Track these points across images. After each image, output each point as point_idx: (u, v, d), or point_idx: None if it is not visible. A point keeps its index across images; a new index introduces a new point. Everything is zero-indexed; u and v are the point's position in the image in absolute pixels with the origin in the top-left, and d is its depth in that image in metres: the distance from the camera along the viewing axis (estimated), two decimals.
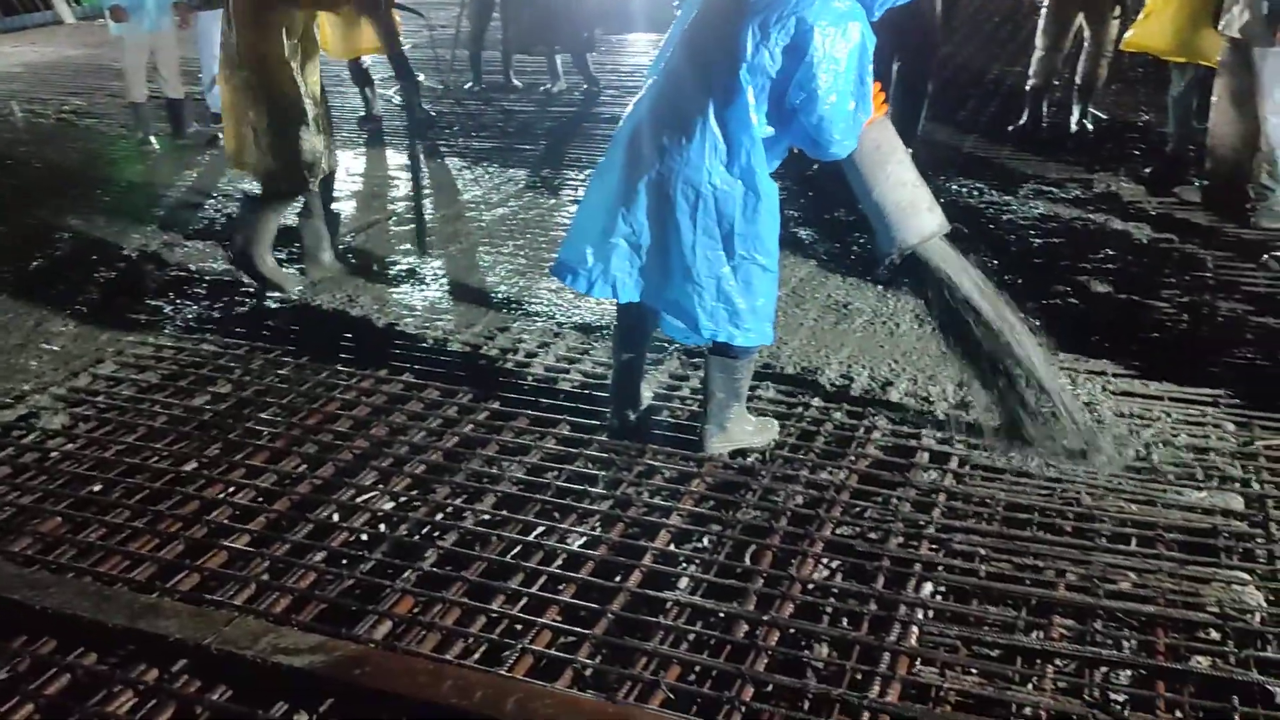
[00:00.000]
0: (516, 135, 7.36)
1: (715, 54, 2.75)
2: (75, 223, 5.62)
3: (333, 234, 4.81)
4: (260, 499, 3.12)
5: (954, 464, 3.15)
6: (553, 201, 5.91)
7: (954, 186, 5.84)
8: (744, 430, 3.22)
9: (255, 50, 4.16)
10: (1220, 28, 4.98)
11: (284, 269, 4.70)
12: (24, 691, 2.37)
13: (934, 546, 2.79)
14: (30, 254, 5.14)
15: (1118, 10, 6.35)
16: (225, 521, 3.00)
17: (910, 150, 6.08)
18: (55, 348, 4.13)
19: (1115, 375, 3.66)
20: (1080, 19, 6.39)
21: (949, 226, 2.95)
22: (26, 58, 10.86)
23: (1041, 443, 3.05)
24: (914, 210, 2.86)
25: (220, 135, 5.72)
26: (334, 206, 4.98)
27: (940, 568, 2.70)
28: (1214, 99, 5.16)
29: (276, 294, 4.54)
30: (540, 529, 2.92)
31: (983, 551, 2.75)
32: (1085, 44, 6.49)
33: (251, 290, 4.60)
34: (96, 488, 3.18)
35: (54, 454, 3.36)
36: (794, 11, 2.62)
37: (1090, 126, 6.75)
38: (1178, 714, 2.22)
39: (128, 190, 6.33)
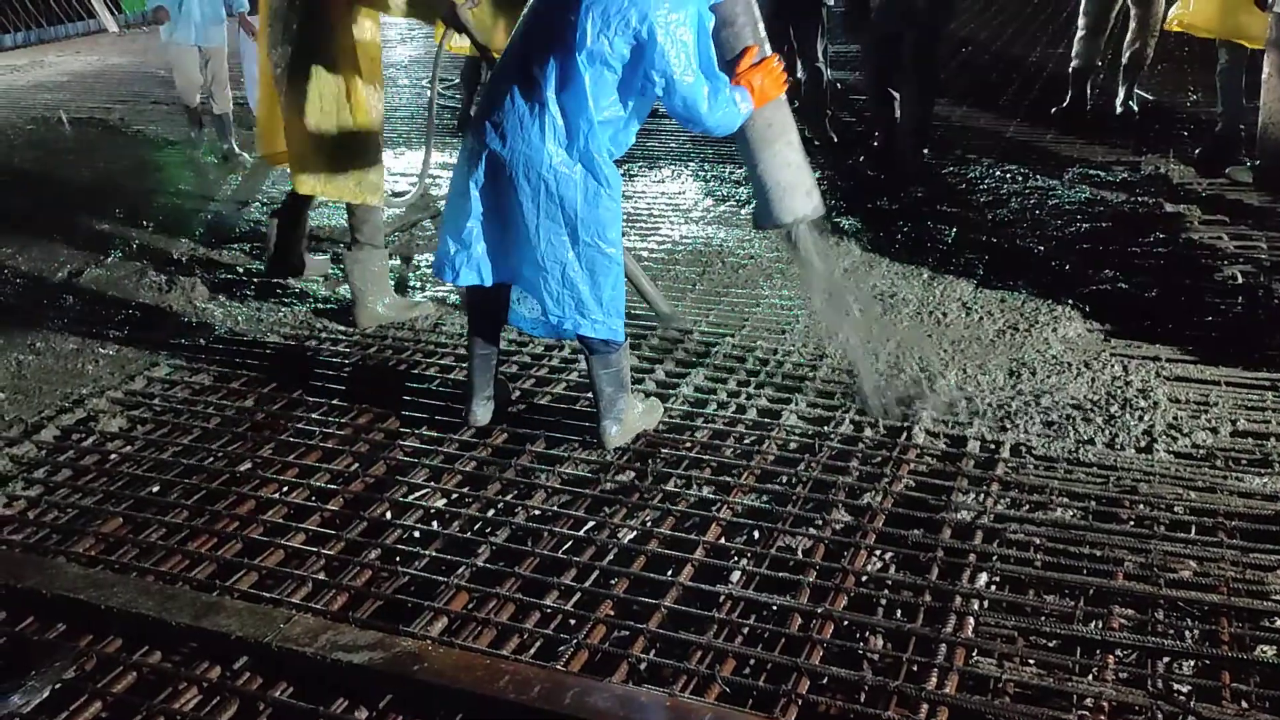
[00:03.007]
0: None
1: (556, 38, 2.80)
2: (126, 229, 5.72)
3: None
4: (314, 497, 3.16)
5: (1006, 453, 3.12)
6: None
7: (998, 171, 5.78)
8: (636, 416, 3.32)
9: (371, 70, 4.00)
10: (1270, 4, 4.88)
11: (408, 297, 4.53)
12: (92, 689, 2.42)
13: (988, 537, 2.76)
14: (83, 260, 5.23)
15: None
16: (281, 520, 3.05)
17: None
18: (110, 352, 4.21)
19: (1169, 360, 3.60)
20: None
21: (824, 210, 3.12)
22: (72, 66, 11.06)
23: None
24: (793, 191, 3.02)
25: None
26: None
27: (995, 558, 2.68)
28: (1264, 76, 5.06)
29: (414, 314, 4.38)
30: (591, 524, 2.94)
31: (1038, 541, 2.72)
32: (1131, 24, 6.38)
33: (297, 290, 4.66)
34: (155, 488, 3.25)
35: (113, 456, 3.43)
36: (634, 3, 2.70)
37: (1136, 108, 6.64)
38: (1244, 704, 2.18)
39: (176, 196, 6.42)
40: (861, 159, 6.17)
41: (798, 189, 3.04)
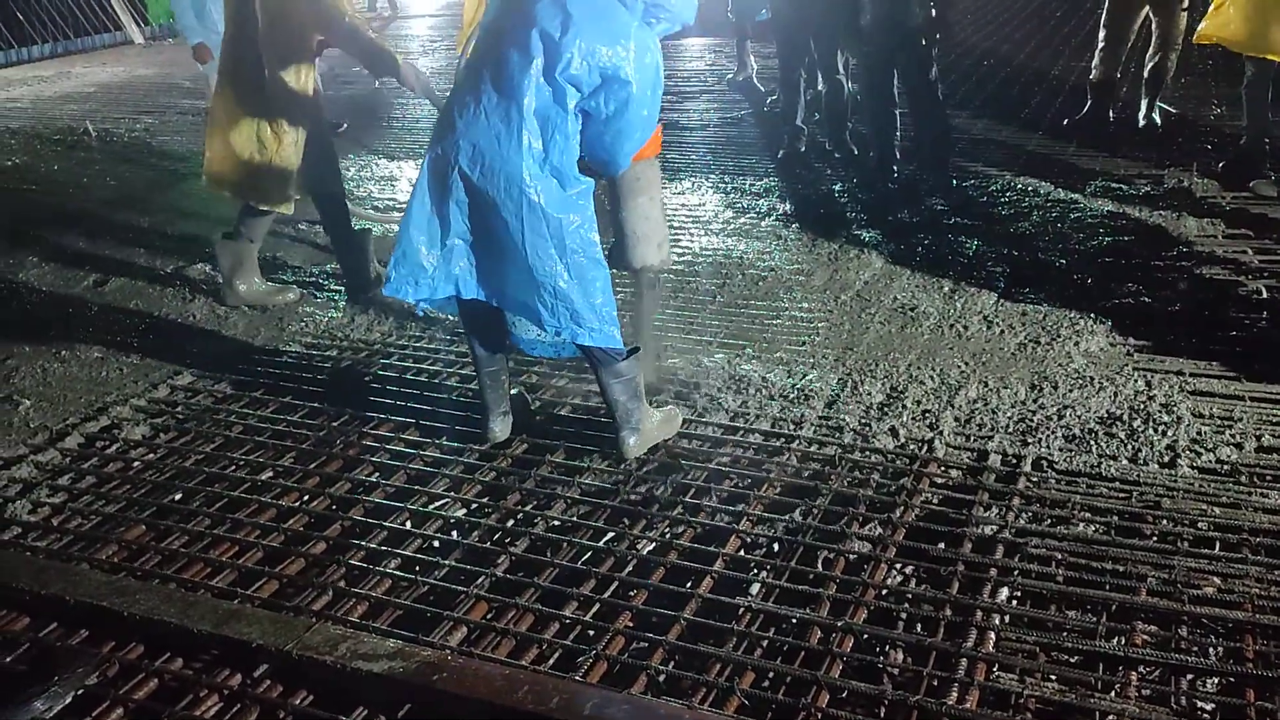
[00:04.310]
0: None
1: (533, 54, 2.82)
2: (151, 238, 5.77)
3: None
4: (335, 506, 3.18)
5: (1028, 467, 3.10)
6: None
7: (1019, 184, 5.75)
8: (654, 425, 3.32)
9: (284, 80, 4.21)
10: None
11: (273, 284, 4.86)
12: (114, 696, 2.44)
13: (1009, 551, 2.75)
14: (108, 270, 5.28)
15: (1186, 1, 6.20)
16: (302, 529, 3.06)
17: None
18: (134, 360, 4.24)
19: (1193, 375, 3.58)
20: (1147, 10, 6.26)
21: (670, 264, 3.53)
22: (99, 78, 11.17)
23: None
24: (646, 242, 3.40)
25: None
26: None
27: (1016, 572, 2.66)
28: None
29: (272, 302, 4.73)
30: (610, 535, 2.94)
31: (1060, 556, 2.70)
32: (1153, 36, 6.34)
33: (321, 300, 4.69)
34: (178, 496, 3.27)
35: (136, 463, 3.46)
36: (613, 38, 2.81)
37: (1159, 120, 6.60)
38: None
39: (201, 206, 6.46)
40: (873, 167, 6.11)
41: (650, 240, 3.40)
